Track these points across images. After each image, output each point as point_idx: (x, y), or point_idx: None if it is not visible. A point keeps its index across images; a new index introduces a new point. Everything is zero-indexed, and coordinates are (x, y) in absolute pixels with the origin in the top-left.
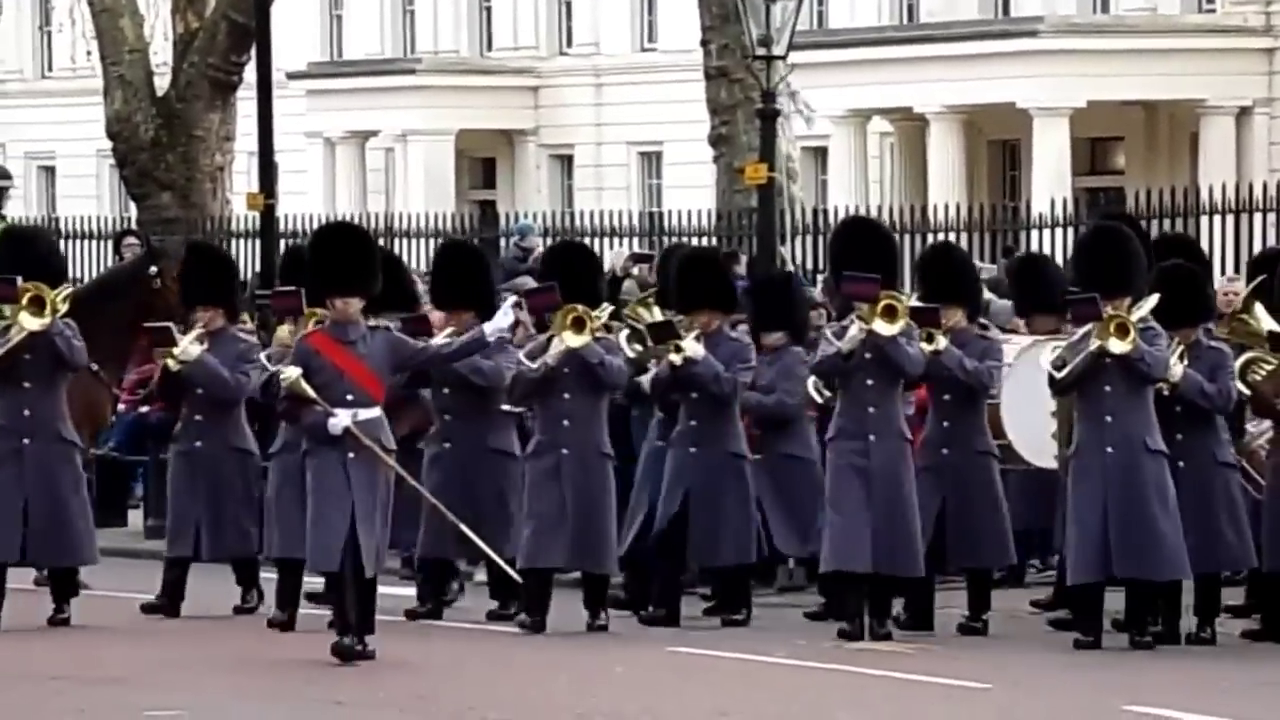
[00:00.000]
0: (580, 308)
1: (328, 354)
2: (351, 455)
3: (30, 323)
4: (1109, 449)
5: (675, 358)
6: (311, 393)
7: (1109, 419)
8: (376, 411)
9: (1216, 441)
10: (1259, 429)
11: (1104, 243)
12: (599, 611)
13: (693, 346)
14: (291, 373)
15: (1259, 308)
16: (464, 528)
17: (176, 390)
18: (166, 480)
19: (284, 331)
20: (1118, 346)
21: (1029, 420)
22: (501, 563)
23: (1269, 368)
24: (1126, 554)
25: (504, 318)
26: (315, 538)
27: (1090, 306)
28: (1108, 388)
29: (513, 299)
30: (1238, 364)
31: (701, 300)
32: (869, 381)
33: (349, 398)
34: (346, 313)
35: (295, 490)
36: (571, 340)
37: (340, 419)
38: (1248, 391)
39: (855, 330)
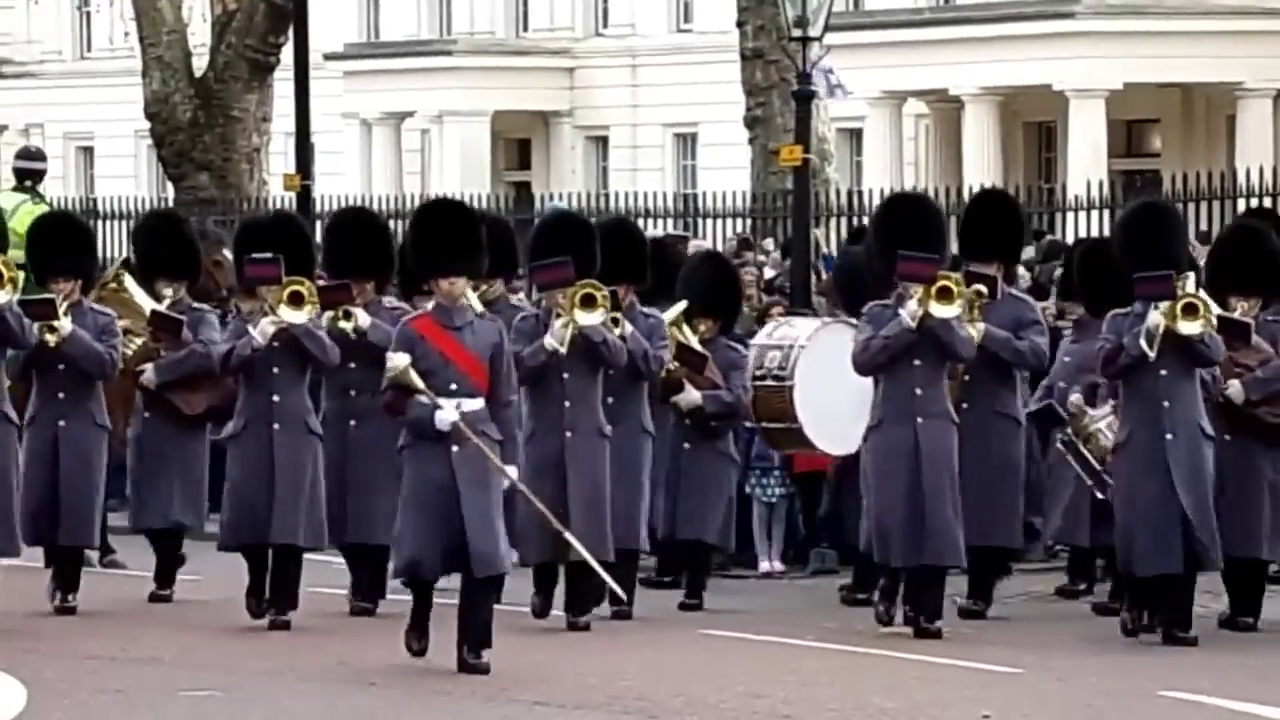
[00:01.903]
0: (591, 283)
1: (433, 340)
2: (456, 449)
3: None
4: (1168, 435)
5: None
6: (420, 382)
7: (1166, 404)
8: (480, 403)
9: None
10: (1100, 412)
11: (1153, 222)
12: (595, 599)
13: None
14: (399, 361)
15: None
16: (560, 527)
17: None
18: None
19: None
20: (1188, 328)
21: (824, 405)
22: (598, 567)
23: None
24: (1213, 540)
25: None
26: (407, 544)
27: (1164, 284)
28: (1163, 372)
29: None
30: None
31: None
32: (916, 363)
33: (453, 387)
34: (453, 295)
35: (263, 474)
36: (583, 318)
37: (447, 412)
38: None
39: (914, 305)
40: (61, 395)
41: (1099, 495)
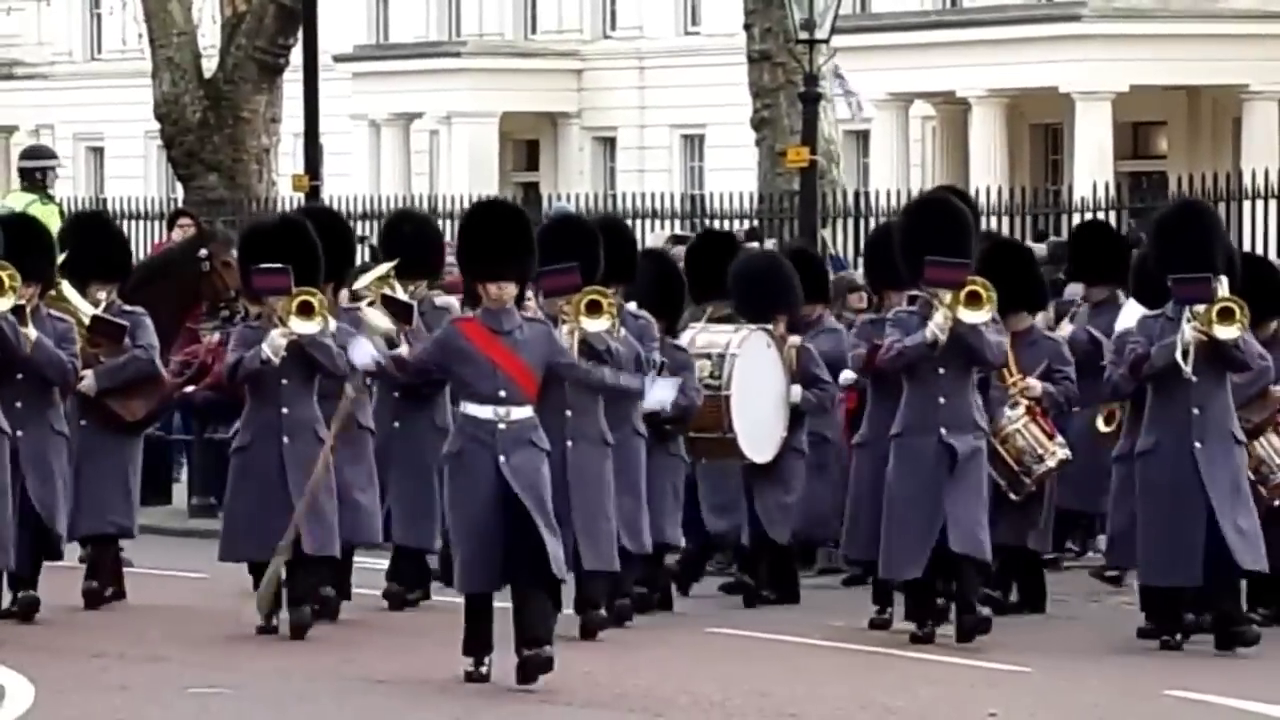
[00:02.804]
0: (598, 289)
1: (480, 345)
2: (503, 459)
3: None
4: (1197, 444)
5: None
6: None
7: (1196, 411)
8: (528, 411)
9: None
10: (1016, 413)
11: (1191, 222)
12: (592, 609)
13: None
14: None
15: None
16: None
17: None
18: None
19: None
20: (1225, 333)
21: (753, 414)
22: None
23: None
24: (1249, 546)
25: (665, 390)
26: (463, 554)
27: (1203, 287)
28: (1195, 378)
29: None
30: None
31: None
32: (941, 370)
33: (501, 394)
34: (501, 299)
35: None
36: (589, 325)
37: (363, 347)
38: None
39: (941, 318)
40: (19, 404)
41: (1013, 497)
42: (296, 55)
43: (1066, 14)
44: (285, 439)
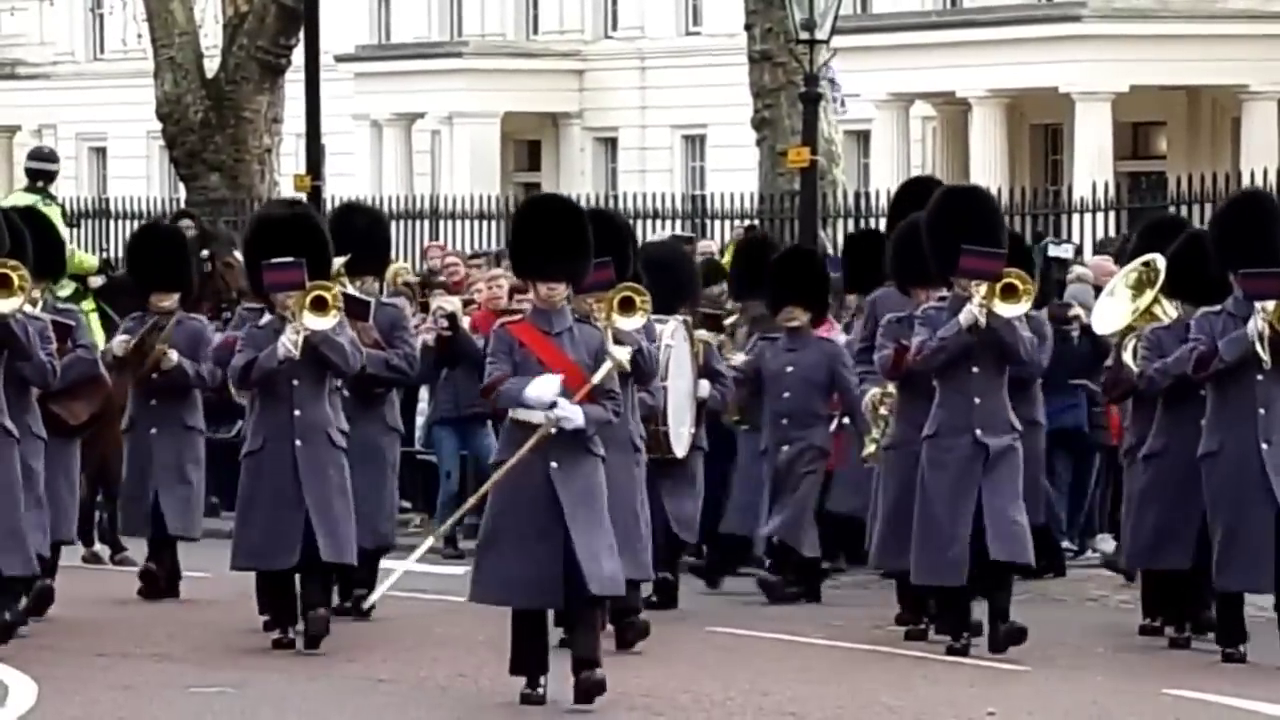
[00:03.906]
0: (632, 286)
1: (532, 347)
2: (555, 465)
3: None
4: (1264, 444)
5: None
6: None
7: (1263, 411)
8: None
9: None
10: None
11: (1253, 213)
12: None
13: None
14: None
15: (1165, 301)
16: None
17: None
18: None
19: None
20: None
21: (675, 407)
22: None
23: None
24: None
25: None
26: (520, 570)
27: (1275, 282)
28: (1260, 376)
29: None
30: (1129, 348)
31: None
32: (974, 369)
33: (559, 400)
34: (552, 300)
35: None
36: (622, 323)
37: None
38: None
39: (975, 307)
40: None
41: None
42: (298, 55)
43: (1066, 14)
44: (298, 442)
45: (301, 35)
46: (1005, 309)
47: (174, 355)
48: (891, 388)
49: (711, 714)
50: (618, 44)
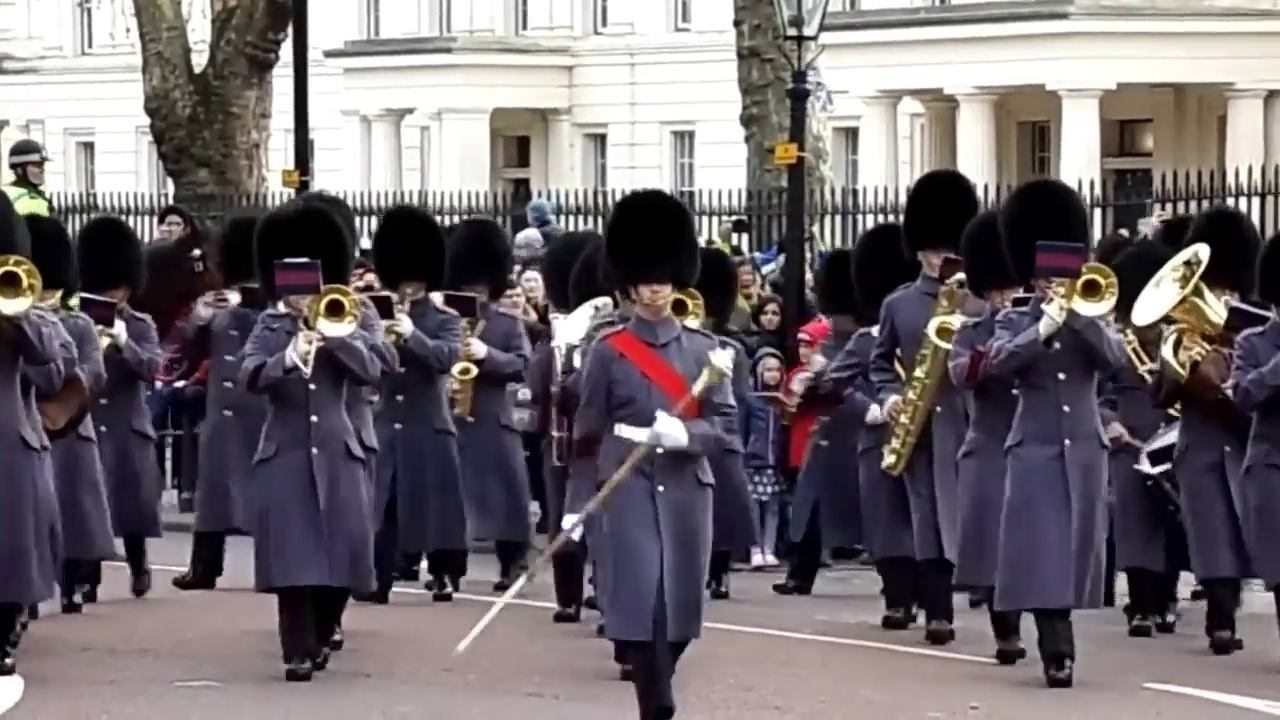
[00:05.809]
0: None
1: (635, 360)
2: (661, 489)
3: (331, 329)
4: None
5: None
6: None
7: None
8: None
9: None
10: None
11: None
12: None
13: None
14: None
15: (1209, 293)
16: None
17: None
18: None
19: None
20: None
21: None
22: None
23: (1201, 348)
24: None
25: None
26: (618, 599)
27: None
28: None
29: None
30: (1169, 342)
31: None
32: (1061, 376)
33: (658, 415)
34: (656, 305)
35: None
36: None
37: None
38: (1184, 372)
39: (1055, 311)
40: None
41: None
42: (287, 50)
43: (1054, 12)
44: (314, 449)
45: (290, 30)
46: (1086, 307)
47: (123, 334)
48: (912, 395)
49: (696, 708)
50: (607, 40)
